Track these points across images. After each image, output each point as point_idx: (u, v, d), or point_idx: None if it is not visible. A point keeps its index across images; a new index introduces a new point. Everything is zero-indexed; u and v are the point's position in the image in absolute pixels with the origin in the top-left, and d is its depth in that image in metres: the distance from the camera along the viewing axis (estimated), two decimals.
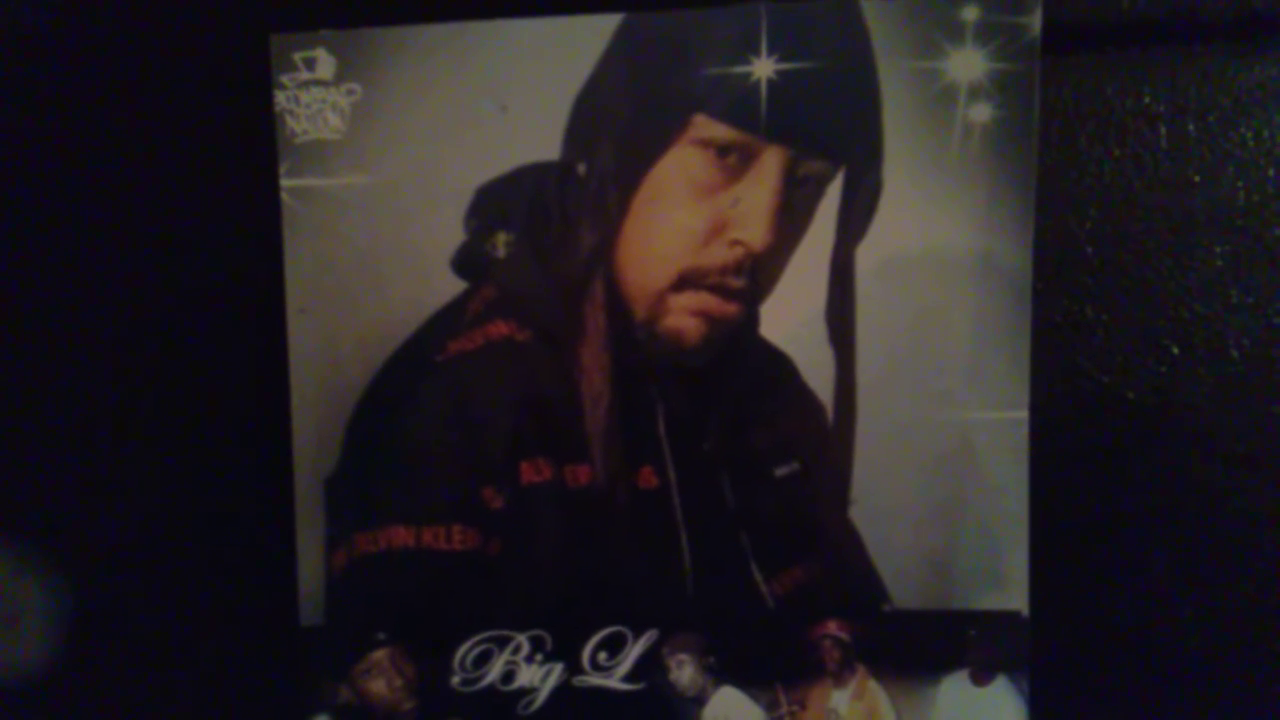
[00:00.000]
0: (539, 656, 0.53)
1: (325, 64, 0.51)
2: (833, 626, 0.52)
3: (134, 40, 0.54)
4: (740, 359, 0.51)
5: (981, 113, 0.48)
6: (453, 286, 0.52)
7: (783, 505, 0.52)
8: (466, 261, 0.51)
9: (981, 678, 0.51)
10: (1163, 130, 0.50)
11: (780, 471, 0.52)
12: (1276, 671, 0.52)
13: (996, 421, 0.50)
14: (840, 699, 0.52)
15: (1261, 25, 0.49)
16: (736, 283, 0.50)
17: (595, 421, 0.51)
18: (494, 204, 0.51)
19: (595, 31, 0.50)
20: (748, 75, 0.49)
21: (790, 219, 0.50)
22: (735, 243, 0.50)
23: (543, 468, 0.52)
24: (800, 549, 0.52)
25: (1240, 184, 0.50)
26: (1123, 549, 0.52)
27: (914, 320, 0.50)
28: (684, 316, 0.51)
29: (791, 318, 0.51)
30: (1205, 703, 0.52)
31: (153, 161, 0.54)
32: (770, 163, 0.49)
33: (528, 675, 0.53)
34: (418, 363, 0.52)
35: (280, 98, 0.51)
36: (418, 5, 0.51)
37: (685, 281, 0.50)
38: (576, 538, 0.52)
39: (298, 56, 0.51)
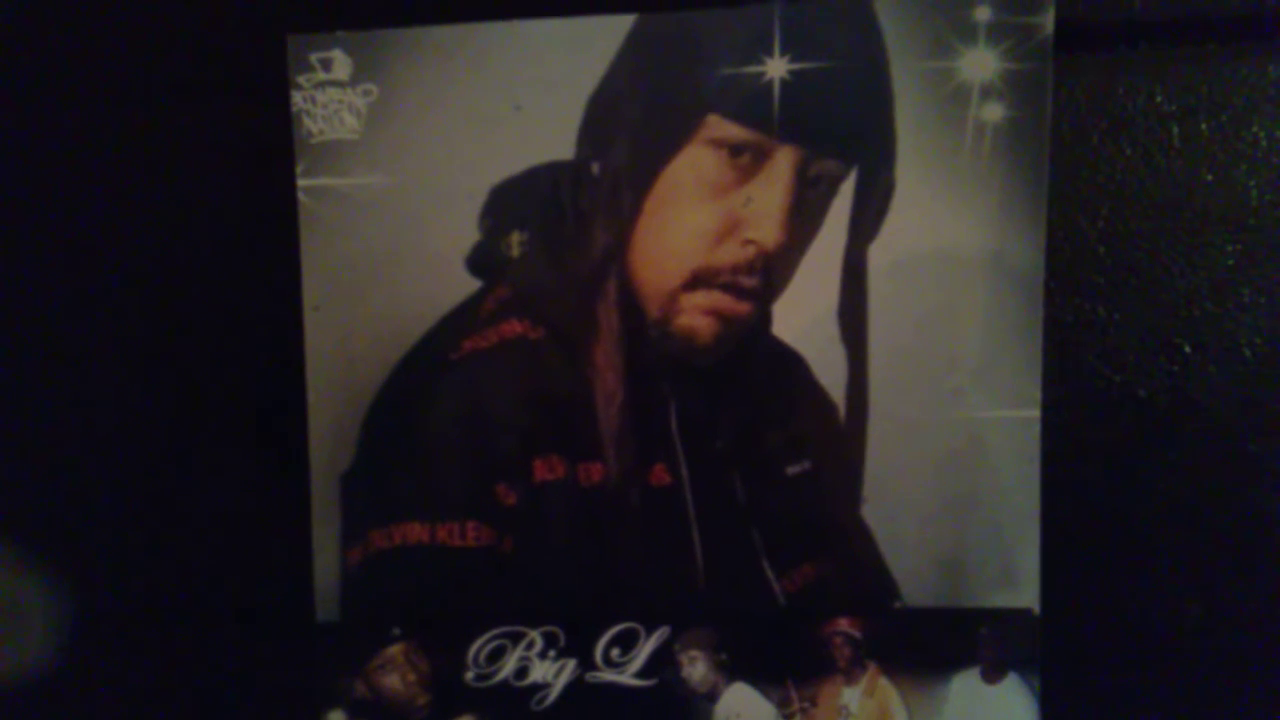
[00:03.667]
0: (552, 652, 0.53)
1: (341, 65, 0.51)
2: (844, 624, 0.52)
3: (151, 40, 0.54)
4: (752, 358, 0.51)
5: (994, 112, 0.48)
6: (467, 285, 0.52)
7: (794, 503, 0.52)
8: (481, 260, 0.52)
9: (992, 675, 0.52)
10: (1175, 129, 0.50)
11: (792, 469, 0.52)
12: None
13: (1008, 420, 0.50)
14: (851, 696, 0.52)
15: (1274, 24, 0.49)
16: (749, 282, 0.50)
17: (608, 419, 0.52)
18: (508, 203, 0.51)
19: (609, 32, 0.50)
20: (760, 75, 0.49)
21: (803, 218, 0.50)
22: (748, 242, 0.50)
23: (556, 465, 0.52)
24: (812, 546, 0.52)
25: (1252, 183, 0.50)
26: (1134, 547, 0.52)
27: (926, 319, 0.50)
28: (697, 315, 0.51)
29: (804, 317, 0.51)
30: (1216, 700, 0.52)
31: (170, 161, 0.55)
32: (783, 162, 0.50)
33: (541, 671, 0.53)
34: (432, 361, 0.52)
35: (297, 98, 0.52)
36: (433, 6, 0.51)
37: (698, 280, 0.51)
38: (589, 535, 0.52)
39: (314, 57, 0.51)
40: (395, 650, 0.54)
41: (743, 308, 0.51)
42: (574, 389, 0.52)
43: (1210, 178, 0.50)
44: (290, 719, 0.56)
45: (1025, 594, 0.51)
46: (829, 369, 0.51)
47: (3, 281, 0.57)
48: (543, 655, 0.53)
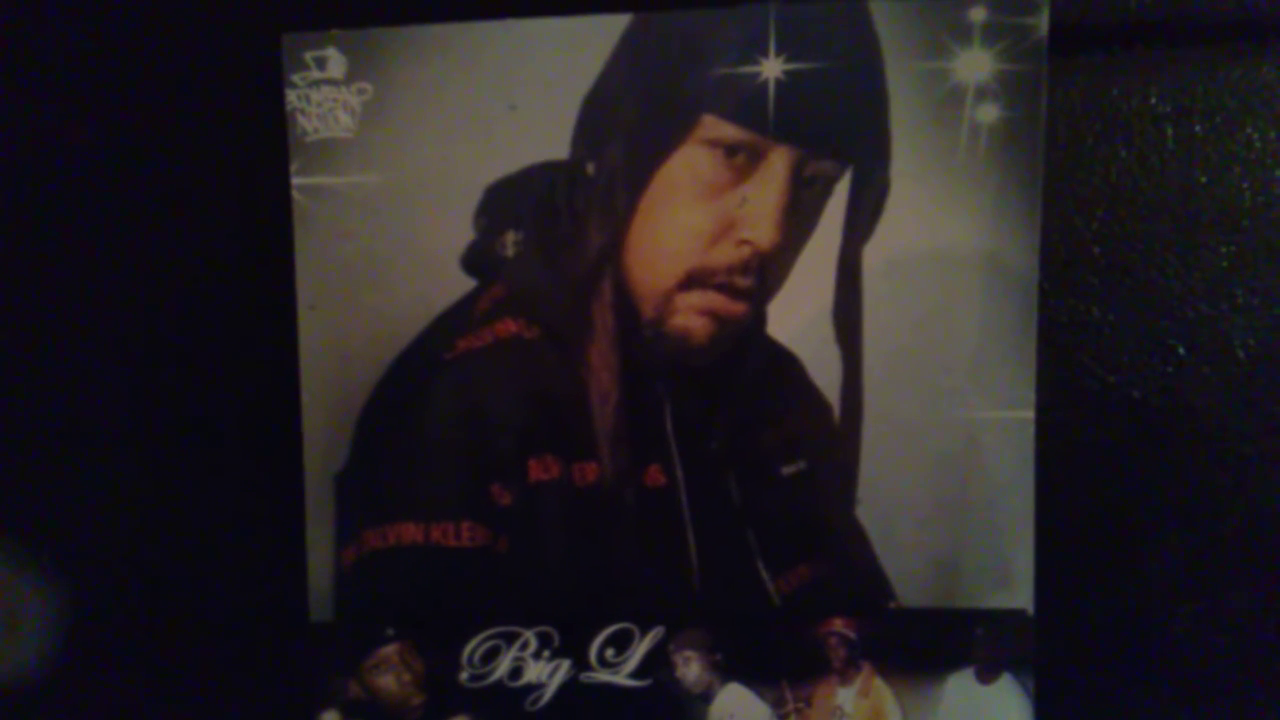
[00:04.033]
0: (546, 653, 0.53)
1: (336, 63, 0.51)
2: (839, 624, 0.52)
3: (146, 39, 0.54)
4: (747, 358, 0.52)
5: (989, 113, 0.49)
6: (462, 285, 0.52)
7: (789, 503, 0.52)
8: (475, 260, 0.52)
9: (987, 676, 0.52)
10: (1169, 131, 0.50)
11: (787, 470, 0.52)
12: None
13: (1002, 420, 0.50)
14: (846, 696, 0.52)
15: (1268, 26, 0.50)
16: (744, 282, 0.50)
17: (603, 419, 0.52)
18: (503, 203, 0.51)
19: (604, 31, 0.50)
20: (756, 75, 0.49)
21: (798, 218, 0.50)
22: (743, 242, 0.50)
23: (551, 465, 0.52)
24: (806, 547, 0.52)
25: (1246, 184, 0.50)
26: (1128, 548, 0.52)
27: (921, 319, 0.50)
28: (692, 315, 0.51)
29: (798, 317, 0.51)
30: (1209, 701, 0.52)
31: (165, 159, 0.55)
32: (778, 162, 0.50)
33: (535, 671, 0.53)
34: (427, 360, 0.52)
35: (291, 96, 0.52)
36: (428, 5, 0.51)
37: (693, 280, 0.51)
38: (584, 535, 0.52)
39: (309, 55, 0.51)
40: (390, 650, 0.54)
41: (737, 308, 0.51)
42: (569, 389, 0.52)
43: (1204, 179, 0.51)
44: (285, 719, 0.56)
45: (1020, 595, 0.51)
46: (824, 369, 0.51)
47: None
48: (537, 656, 0.53)
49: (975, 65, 0.48)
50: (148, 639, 0.57)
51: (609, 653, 0.53)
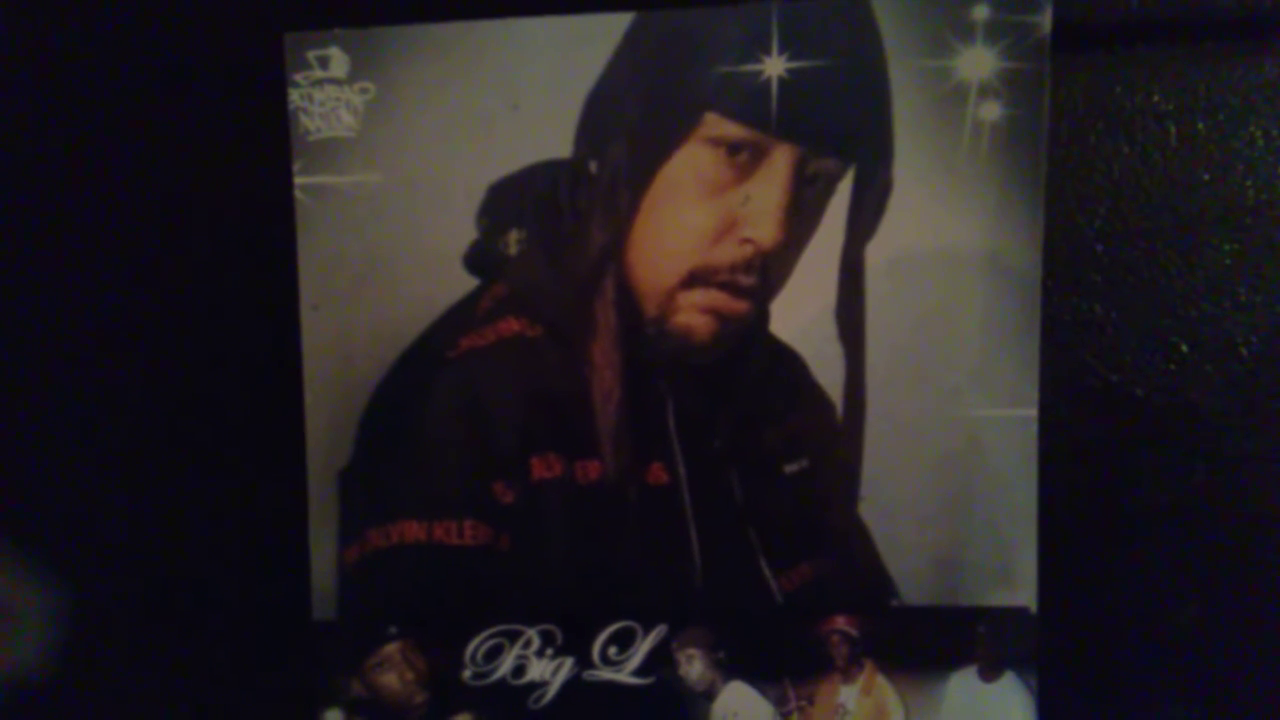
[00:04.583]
0: (549, 651, 0.53)
1: (339, 62, 0.51)
2: (841, 622, 0.52)
3: (149, 38, 0.54)
4: (750, 356, 0.52)
5: (991, 111, 0.49)
6: (464, 283, 0.52)
7: (792, 501, 0.52)
8: (478, 259, 0.52)
9: (989, 673, 0.52)
10: (1172, 129, 0.50)
11: (789, 468, 0.52)
12: None
13: (1005, 419, 0.50)
14: (849, 694, 0.52)
15: (1271, 24, 0.50)
16: (747, 280, 0.50)
17: (606, 418, 0.52)
18: (506, 202, 0.51)
19: (607, 30, 0.50)
20: (758, 73, 0.49)
21: (800, 217, 0.50)
22: (745, 240, 0.50)
23: (553, 463, 0.52)
24: (809, 545, 0.52)
25: (1249, 182, 0.50)
26: (1130, 546, 0.52)
27: (923, 318, 0.50)
28: (694, 314, 0.51)
29: (801, 315, 0.51)
30: (1212, 699, 0.52)
31: (167, 159, 0.55)
32: (780, 161, 0.50)
33: (538, 669, 0.53)
34: (430, 359, 0.52)
35: (294, 96, 0.52)
36: (430, 4, 0.51)
37: (695, 279, 0.51)
38: (587, 533, 0.52)
39: (312, 55, 0.51)
40: (392, 649, 0.54)
41: (740, 306, 0.51)
42: (571, 387, 0.52)
43: (1207, 177, 0.51)
44: (288, 718, 0.56)
45: (1022, 592, 0.51)
46: (826, 367, 0.51)
47: None
48: (540, 654, 0.53)
49: (978, 63, 0.48)
50: (150, 637, 0.57)
51: (612, 651, 0.53)
